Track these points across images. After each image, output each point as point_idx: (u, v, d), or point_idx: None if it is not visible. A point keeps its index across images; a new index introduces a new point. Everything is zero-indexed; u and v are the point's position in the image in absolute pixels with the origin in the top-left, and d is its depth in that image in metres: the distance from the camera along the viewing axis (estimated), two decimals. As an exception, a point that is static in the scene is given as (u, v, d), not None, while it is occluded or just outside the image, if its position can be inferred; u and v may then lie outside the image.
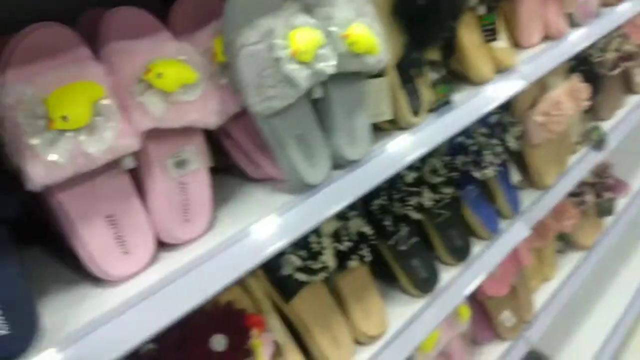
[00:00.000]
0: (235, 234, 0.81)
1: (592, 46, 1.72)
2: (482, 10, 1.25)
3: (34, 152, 0.64)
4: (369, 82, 0.99)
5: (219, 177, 0.90)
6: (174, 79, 0.74)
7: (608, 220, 2.05)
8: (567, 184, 1.64)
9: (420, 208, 1.18)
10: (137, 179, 0.77)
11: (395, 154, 1.02)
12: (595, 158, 1.76)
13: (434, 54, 1.15)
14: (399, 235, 1.19)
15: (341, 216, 1.08)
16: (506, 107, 1.43)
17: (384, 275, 1.23)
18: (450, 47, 1.20)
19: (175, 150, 0.79)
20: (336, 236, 1.06)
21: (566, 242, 1.93)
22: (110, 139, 0.68)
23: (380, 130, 1.06)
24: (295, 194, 0.89)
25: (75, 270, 0.76)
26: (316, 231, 1.00)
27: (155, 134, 0.75)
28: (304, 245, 0.99)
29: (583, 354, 1.92)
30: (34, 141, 0.64)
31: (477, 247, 1.35)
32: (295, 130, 0.87)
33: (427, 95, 1.10)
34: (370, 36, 0.91)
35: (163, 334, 0.70)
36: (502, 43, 1.30)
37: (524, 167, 1.56)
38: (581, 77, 1.64)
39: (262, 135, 0.86)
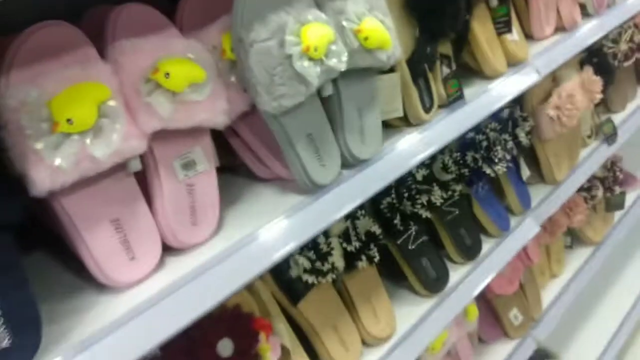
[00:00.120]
0: (243, 237, 0.79)
1: (604, 37, 1.69)
2: (495, 2, 1.22)
3: (38, 156, 0.62)
4: (380, 78, 0.96)
5: (225, 176, 0.88)
6: (182, 78, 0.71)
7: (616, 215, 2.02)
8: (578, 178, 1.61)
9: (430, 206, 1.16)
10: (143, 181, 0.75)
11: (405, 152, 0.99)
12: (606, 152, 1.73)
13: (445, 48, 1.12)
14: (408, 234, 1.17)
15: (349, 215, 1.06)
16: (517, 100, 1.40)
17: (392, 274, 1.21)
18: (461, 41, 1.18)
19: (182, 151, 0.77)
20: (345, 236, 1.04)
21: (574, 238, 1.90)
22: (117, 142, 0.66)
23: (389, 127, 1.04)
24: (304, 195, 0.87)
25: (80, 275, 0.74)
26: (325, 232, 0.98)
27: (161, 135, 0.73)
28: (312, 246, 0.97)
29: (590, 350, 1.90)
30: (38, 145, 0.62)
31: (486, 245, 1.32)
32: (306, 129, 0.84)
33: (438, 90, 1.08)
34: (383, 30, 0.88)
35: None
36: (514, 36, 1.27)
37: (534, 162, 1.54)
38: (593, 68, 1.60)
39: (271, 134, 0.83)
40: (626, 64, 1.80)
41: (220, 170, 0.83)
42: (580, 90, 1.50)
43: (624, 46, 1.79)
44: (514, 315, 1.54)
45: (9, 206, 0.63)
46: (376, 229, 1.08)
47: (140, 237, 0.73)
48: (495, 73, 1.22)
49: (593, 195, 1.83)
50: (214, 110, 0.76)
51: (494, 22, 1.24)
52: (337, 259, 0.99)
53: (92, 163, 0.65)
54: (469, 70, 1.23)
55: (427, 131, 1.04)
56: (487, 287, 1.42)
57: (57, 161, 0.62)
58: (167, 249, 0.77)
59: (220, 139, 0.87)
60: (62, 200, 0.67)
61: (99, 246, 0.69)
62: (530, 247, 1.52)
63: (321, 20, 0.81)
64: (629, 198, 2.06)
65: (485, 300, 1.51)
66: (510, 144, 1.33)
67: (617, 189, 1.94)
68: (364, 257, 1.04)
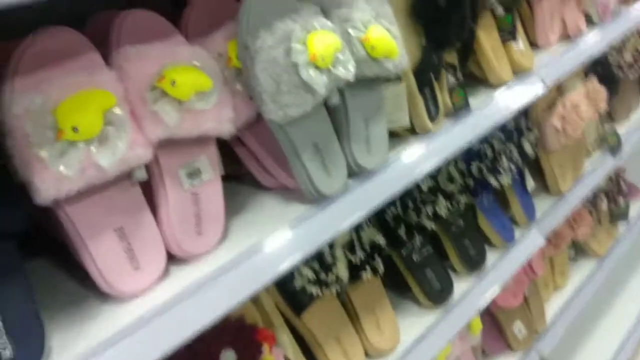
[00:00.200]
0: (249, 248, 0.78)
1: (609, 46, 1.68)
2: (500, 10, 1.22)
3: (43, 164, 0.61)
4: (386, 87, 0.95)
5: (230, 185, 0.87)
6: (188, 86, 0.70)
7: (621, 227, 2.01)
8: (583, 190, 1.60)
9: (435, 217, 1.15)
10: (147, 189, 0.74)
11: (411, 162, 0.98)
12: (610, 163, 1.72)
13: (451, 57, 1.11)
14: (413, 244, 1.16)
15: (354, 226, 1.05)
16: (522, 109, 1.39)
17: (396, 285, 1.20)
18: (467, 50, 1.17)
19: (187, 160, 0.76)
20: (349, 247, 1.03)
21: (578, 250, 1.89)
22: (122, 150, 0.65)
23: (394, 136, 1.03)
24: (310, 205, 0.86)
25: (84, 283, 0.73)
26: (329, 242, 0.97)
27: (166, 143, 0.72)
28: (316, 256, 0.96)
29: (595, 364, 1.88)
30: (43, 153, 0.61)
31: (491, 257, 1.31)
32: (312, 139, 0.83)
33: (444, 99, 1.07)
34: (389, 39, 0.87)
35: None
36: (520, 45, 1.26)
37: (538, 173, 1.53)
38: (597, 78, 1.60)
39: (276, 143, 0.82)
40: (631, 75, 1.80)
41: (225, 179, 0.81)
42: (586, 100, 1.50)
43: (628, 56, 1.79)
44: (518, 329, 1.52)
45: (13, 215, 0.63)
46: (380, 240, 1.07)
47: (144, 247, 0.72)
48: (501, 81, 1.21)
49: (597, 207, 1.82)
50: (220, 119, 0.75)
51: (499, 30, 1.23)
52: (342, 270, 0.98)
53: (97, 171, 0.64)
54: (474, 79, 1.23)
55: (433, 141, 1.03)
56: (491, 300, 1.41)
57: (62, 169, 0.61)
58: (172, 259, 0.76)
59: (226, 147, 0.86)
60: (66, 209, 0.66)
61: (103, 255, 0.68)
62: (534, 259, 1.51)
63: (327, 28, 0.80)
64: (633, 210, 2.05)
65: (489, 313, 1.50)
66: (515, 154, 1.33)
67: (621, 201, 1.93)
68: (368, 268, 1.03)
